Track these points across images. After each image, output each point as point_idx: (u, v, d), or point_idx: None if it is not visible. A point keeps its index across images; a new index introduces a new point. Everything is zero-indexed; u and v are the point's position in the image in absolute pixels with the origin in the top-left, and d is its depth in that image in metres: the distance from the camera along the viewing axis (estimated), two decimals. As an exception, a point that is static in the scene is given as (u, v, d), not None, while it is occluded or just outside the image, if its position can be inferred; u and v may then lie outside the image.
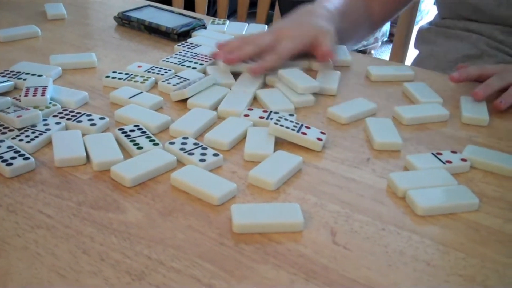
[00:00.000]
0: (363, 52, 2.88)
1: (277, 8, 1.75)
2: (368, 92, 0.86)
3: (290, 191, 0.62)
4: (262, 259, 0.52)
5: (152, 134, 0.69)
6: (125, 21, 1.07)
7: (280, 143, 0.69)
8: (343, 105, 0.79)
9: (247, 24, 1.08)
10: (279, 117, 0.72)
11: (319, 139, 0.69)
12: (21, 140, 0.67)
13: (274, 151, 0.67)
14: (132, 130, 0.69)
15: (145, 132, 0.69)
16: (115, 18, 1.08)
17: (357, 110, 0.78)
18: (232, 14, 2.08)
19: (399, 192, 0.61)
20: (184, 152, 0.66)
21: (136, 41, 1.02)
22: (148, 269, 0.50)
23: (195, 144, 0.67)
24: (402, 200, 0.61)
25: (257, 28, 1.07)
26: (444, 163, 0.65)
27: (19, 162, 0.63)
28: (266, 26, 1.08)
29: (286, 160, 0.65)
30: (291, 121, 0.71)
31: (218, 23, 1.08)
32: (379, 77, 0.90)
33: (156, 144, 0.67)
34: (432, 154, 0.67)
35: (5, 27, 1.02)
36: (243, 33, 1.05)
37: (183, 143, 0.67)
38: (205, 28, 1.06)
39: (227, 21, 1.09)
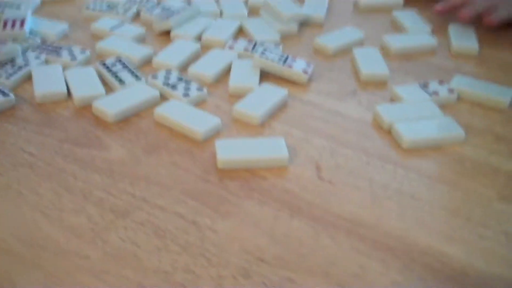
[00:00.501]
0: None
1: None
2: (356, 20, 0.84)
3: (275, 125, 0.61)
4: (246, 195, 0.52)
5: (135, 68, 0.68)
6: None
7: (265, 76, 0.68)
8: (330, 35, 0.77)
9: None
10: (264, 49, 0.70)
11: (304, 71, 0.68)
12: (-1, 75, 0.65)
13: (259, 84, 0.66)
14: (114, 64, 0.68)
15: (127, 65, 0.68)
16: None
17: (344, 40, 0.76)
18: None
19: (385, 125, 0.60)
20: (168, 86, 0.64)
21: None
22: (132, 207, 0.50)
23: (178, 77, 0.66)
24: (387, 134, 0.60)
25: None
26: (430, 94, 0.65)
27: (-2, 98, 0.61)
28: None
29: (271, 94, 0.64)
30: (276, 53, 0.69)
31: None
32: (368, 5, 0.88)
33: (139, 78, 0.66)
34: (419, 85, 0.66)
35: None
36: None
37: (166, 77, 0.66)
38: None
39: None
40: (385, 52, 0.75)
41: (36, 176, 0.53)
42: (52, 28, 0.76)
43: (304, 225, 0.49)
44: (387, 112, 0.61)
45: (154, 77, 0.66)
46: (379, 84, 0.69)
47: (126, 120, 0.61)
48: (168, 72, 0.67)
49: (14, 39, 0.72)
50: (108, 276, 0.44)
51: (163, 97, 0.64)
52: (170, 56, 0.70)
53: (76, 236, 0.47)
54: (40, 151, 0.56)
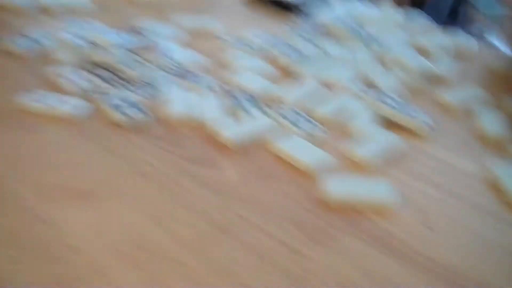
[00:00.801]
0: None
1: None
2: (482, 80, 0.83)
3: (386, 169, 0.62)
4: (348, 231, 0.53)
5: (260, 100, 0.71)
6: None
7: (384, 122, 0.69)
8: (454, 92, 0.77)
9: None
10: (386, 96, 0.72)
11: (424, 122, 0.68)
12: (137, 93, 0.71)
13: (376, 128, 0.67)
14: (240, 95, 0.72)
15: (252, 97, 0.71)
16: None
17: (468, 98, 0.76)
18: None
19: (500, 183, 0.59)
20: (287, 120, 0.67)
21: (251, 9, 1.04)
22: (236, 226, 0.52)
23: (298, 113, 0.69)
24: (501, 192, 0.59)
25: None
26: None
27: (133, 113, 0.67)
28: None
29: (386, 139, 0.65)
30: (398, 102, 0.70)
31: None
32: (497, 66, 0.87)
33: (261, 110, 0.69)
34: (543, 150, 0.65)
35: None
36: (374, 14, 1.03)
37: (287, 112, 0.69)
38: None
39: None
40: (508, 113, 0.73)
41: (151, 186, 0.57)
42: (190, 58, 0.82)
43: (402, 268, 0.49)
44: (503, 171, 0.60)
45: (276, 111, 0.69)
46: (499, 145, 0.67)
47: (244, 147, 0.64)
48: (290, 108, 0.70)
49: (156, 63, 0.78)
50: (204, 287, 0.46)
51: (281, 130, 0.66)
52: (293, 94, 0.73)
53: (180, 245, 0.50)
54: (160, 165, 0.60)
